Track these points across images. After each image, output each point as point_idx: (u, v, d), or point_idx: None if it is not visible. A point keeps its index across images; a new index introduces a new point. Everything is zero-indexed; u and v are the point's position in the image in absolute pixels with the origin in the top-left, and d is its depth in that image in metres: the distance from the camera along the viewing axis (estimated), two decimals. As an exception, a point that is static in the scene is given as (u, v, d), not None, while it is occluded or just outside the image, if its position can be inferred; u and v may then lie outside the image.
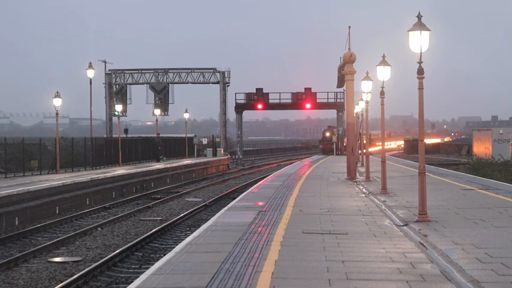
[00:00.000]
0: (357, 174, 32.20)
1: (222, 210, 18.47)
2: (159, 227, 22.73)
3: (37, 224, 24.13)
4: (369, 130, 35.63)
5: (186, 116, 72.99)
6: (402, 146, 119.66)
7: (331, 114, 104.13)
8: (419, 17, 15.03)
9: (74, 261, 17.57)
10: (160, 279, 9.75)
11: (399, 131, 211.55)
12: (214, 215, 18.66)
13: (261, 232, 14.02)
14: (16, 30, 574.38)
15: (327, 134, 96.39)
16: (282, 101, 78.29)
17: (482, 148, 66.66)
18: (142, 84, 73.51)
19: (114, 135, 65.87)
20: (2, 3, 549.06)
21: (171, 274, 10.08)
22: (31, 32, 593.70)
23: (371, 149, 59.25)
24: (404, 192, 22.69)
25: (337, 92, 74.97)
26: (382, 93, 22.61)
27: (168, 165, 48.10)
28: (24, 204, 25.31)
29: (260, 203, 19.98)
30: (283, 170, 42.02)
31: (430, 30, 15.05)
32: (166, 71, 73.21)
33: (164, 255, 13.92)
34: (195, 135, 74.44)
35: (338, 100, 76.13)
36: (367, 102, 31.64)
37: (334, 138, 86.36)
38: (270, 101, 77.88)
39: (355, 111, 37.45)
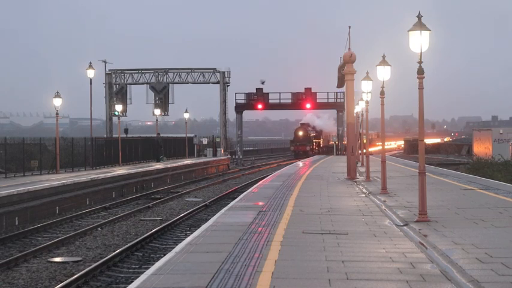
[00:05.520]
0: (357, 174, 32.20)
1: (222, 210, 18.46)
2: (159, 227, 22.73)
3: (37, 224, 24.12)
4: (369, 130, 35.61)
5: (186, 116, 72.98)
6: (402, 146, 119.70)
7: (332, 114, 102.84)
8: (419, 17, 15.02)
9: (74, 261, 17.57)
10: (161, 279, 9.75)
11: (399, 131, 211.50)
12: (214, 215, 18.66)
13: (261, 232, 14.02)
14: (17, 30, 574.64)
15: (300, 133, 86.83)
16: (282, 101, 78.35)
17: (482, 148, 66.64)
18: (142, 84, 73.58)
19: (114, 135, 65.92)
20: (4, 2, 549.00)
21: (171, 274, 10.08)
22: (32, 31, 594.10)
23: (371, 149, 59.10)
24: (404, 192, 22.69)
25: (337, 92, 75.02)
26: (382, 93, 22.61)
27: (168, 165, 48.11)
28: (24, 204, 25.30)
29: (260, 203, 19.98)
30: (283, 170, 42.02)
31: (430, 30, 15.05)
32: (166, 71, 73.24)
33: (164, 255, 13.94)
34: (195, 135, 74.43)
35: (338, 100, 76.10)
36: (367, 102, 31.64)
37: (328, 139, 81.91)
38: (270, 101, 77.94)
39: (355, 111, 37.47)
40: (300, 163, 54.10)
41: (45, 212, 26.79)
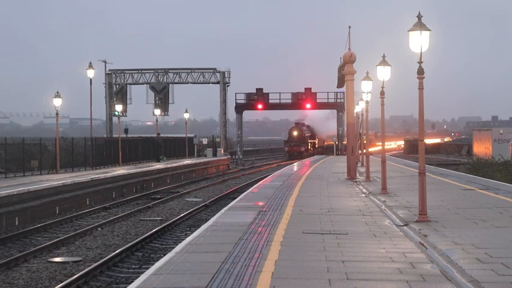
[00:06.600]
0: (357, 174, 32.20)
1: (222, 210, 18.47)
2: (159, 227, 22.73)
3: (37, 224, 24.12)
4: (369, 130, 35.59)
5: (186, 116, 72.98)
6: (402, 146, 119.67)
7: (328, 113, 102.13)
8: (419, 17, 15.02)
9: (74, 261, 17.57)
10: (161, 279, 9.75)
11: (399, 131, 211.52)
12: (214, 215, 18.66)
13: (261, 232, 14.02)
14: (17, 30, 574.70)
15: (294, 133, 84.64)
16: (282, 101, 78.34)
17: (482, 148, 66.69)
18: (142, 84, 73.57)
19: (114, 135, 65.92)
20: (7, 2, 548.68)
21: (171, 274, 10.08)
22: (32, 31, 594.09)
23: (370, 149, 59.04)
24: (404, 192, 22.69)
25: (337, 92, 75.03)
26: (382, 93, 22.61)
27: (168, 165, 48.11)
28: (24, 204, 25.31)
29: (260, 203, 19.98)
30: (283, 170, 42.02)
31: (430, 30, 15.05)
32: (166, 71, 73.23)
33: (164, 255, 13.93)
34: (195, 135, 74.45)
35: (338, 100, 76.08)
36: (367, 102, 31.63)
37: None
38: (270, 101, 77.93)
39: (355, 111, 37.46)
40: (300, 163, 54.09)
41: (45, 212, 26.79)
